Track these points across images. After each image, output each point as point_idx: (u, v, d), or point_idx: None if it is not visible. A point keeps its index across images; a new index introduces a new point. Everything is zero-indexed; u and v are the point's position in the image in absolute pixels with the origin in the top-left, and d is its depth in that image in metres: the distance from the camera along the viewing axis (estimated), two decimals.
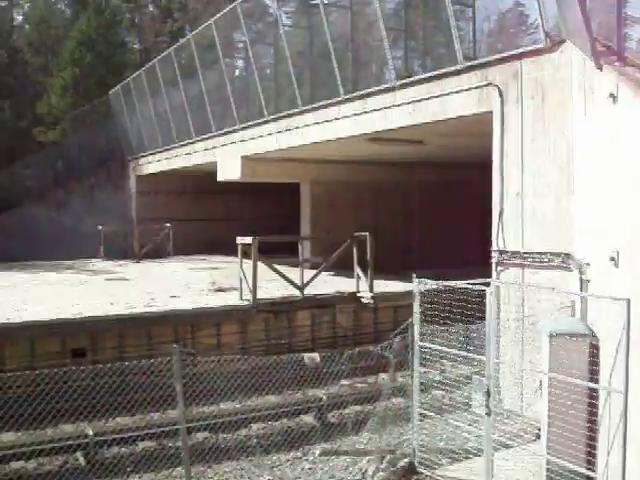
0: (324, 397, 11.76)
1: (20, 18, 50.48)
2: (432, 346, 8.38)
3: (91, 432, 10.16)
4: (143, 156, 29.79)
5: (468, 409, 9.89)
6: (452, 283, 8.25)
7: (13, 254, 27.26)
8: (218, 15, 21.22)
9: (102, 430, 10.49)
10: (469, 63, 12.17)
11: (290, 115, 18.03)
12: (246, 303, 15.13)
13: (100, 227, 27.48)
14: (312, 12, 17.31)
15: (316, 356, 8.71)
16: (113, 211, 30.91)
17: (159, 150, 27.81)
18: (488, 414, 7.75)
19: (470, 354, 8.21)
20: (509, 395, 10.48)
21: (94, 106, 33.66)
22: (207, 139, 23.37)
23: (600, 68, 7.45)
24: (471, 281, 8.18)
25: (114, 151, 32.06)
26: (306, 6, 17.92)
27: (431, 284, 8.37)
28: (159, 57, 27.07)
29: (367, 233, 16.16)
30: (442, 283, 8.38)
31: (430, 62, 14.35)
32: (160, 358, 9.73)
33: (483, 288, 8.16)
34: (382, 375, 13.33)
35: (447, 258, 22.27)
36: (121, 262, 26.39)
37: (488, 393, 7.69)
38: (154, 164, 28.85)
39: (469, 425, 9.34)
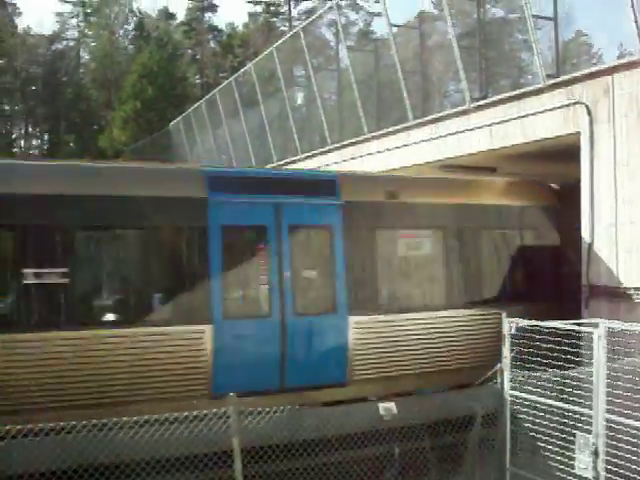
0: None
1: (86, 57, 51.88)
2: (528, 396, 7.28)
3: None
4: None
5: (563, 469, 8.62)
6: (550, 324, 7.17)
7: None
8: (279, 42, 20.73)
9: None
10: (552, 81, 11.24)
11: (355, 143, 17.25)
12: None
13: None
14: (378, 37, 16.66)
15: (392, 406, 7.66)
16: None
17: None
18: (596, 478, 6.62)
19: (574, 407, 7.10)
20: None
21: (155, 138, 33.66)
22: None
23: None
24: (575, 321, 7.12)
25: None
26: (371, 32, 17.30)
27: (525, 324, 7.30)
28: (219, 87, 26.77)
29: None
30: (538, 324, 7.31)
31: (508, 82, 13.41)
32: None
33: (578, 329, 7.14)
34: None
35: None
36: None
37: (596, 453, 6.58)
38: None
39: None
